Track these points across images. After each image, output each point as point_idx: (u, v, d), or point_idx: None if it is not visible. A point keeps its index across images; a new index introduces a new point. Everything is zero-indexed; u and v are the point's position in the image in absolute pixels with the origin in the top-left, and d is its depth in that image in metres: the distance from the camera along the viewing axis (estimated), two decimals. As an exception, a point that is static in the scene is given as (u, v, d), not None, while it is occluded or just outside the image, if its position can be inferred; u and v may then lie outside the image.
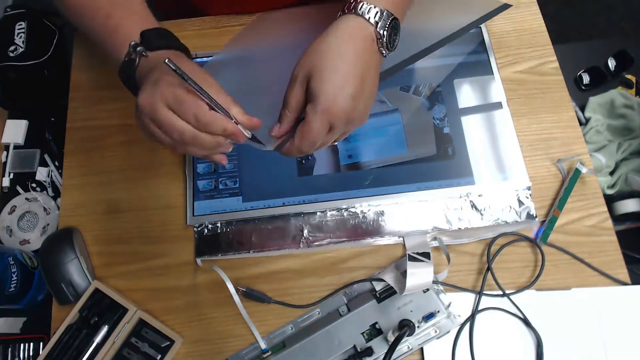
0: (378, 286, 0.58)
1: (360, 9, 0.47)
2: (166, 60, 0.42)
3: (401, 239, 0.62)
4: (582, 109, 0.99)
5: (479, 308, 0.58)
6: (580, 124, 0.98)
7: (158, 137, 0.45)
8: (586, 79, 1.01)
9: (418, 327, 0.55)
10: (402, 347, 0.55)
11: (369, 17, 0.46)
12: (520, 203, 0.62)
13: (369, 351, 0.55)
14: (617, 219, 0.89)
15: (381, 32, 0.47)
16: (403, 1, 0.51)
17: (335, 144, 0.51)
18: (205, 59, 0.69)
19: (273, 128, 0.48)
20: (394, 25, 0.48)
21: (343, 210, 0.63)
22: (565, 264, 0.60)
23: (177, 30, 0.53)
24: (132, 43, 0.49)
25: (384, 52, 0.48)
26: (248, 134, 0.46)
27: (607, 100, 0.98)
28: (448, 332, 0.56)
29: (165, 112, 0.43)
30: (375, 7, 0.47)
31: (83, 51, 0.74)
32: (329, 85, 0.45)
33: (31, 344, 0.63)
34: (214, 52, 0.70)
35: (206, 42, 0.72)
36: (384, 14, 0.47)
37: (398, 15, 0.49)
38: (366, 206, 0.63)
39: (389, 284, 0.57)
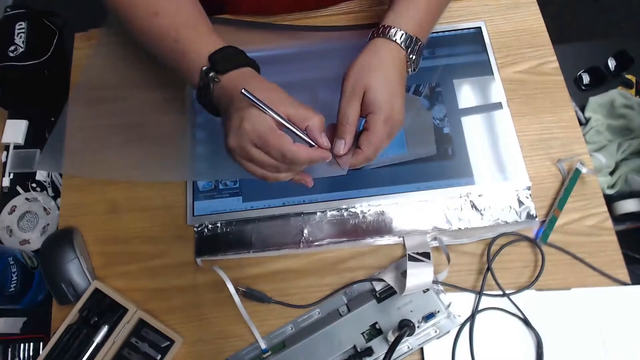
0: (378, 286, 0.58)
1: (388, 34, 0.54)
2: (242, 91, 0.45)
3: (401, 239, 0.62)
4: (582, 109, 0.99)
5: (479, 308, 0.58)
6: (581, 124, 0.98)
7: (254, 171, 0.48)
8: (586, 79, 1.01)
9: (418, 327, 0.55)
10: (402, 347, 0.55)
11: (400, 42, 0.53)
12: (520, 203, 0.62)
13: (369, 351, 0.55)
14: (617, 219, 0.89)
15: (411, 56, 0.54)
16: (428, 23, 0.57)
17: None
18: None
19: (336, 147, 0.50)
20: (419, 49, 0.55)
21: (343, 210, 0.63)
22: (565, 264, 0.60)
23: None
24: (204, 69, 0.51)
25: (409, 70, 0.56)
26: (329, 156, 0.49)
27: (607, 100, 0.98)
28: (448, 332, 0.56)
29: (255, 151, 0.46)
30: (401, 31, 0.53)
31: (83, 51, 0.74)
32: (386, 96, 0.51)
33: (31, 344, 0.63)
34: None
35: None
36: (413, 39, 0.54)
37: (423, 39, 0.55)
38: (366, 206, 0.63)
39: (389, 284, 0.57)
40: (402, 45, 0.53)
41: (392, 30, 0.54)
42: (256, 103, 0.45)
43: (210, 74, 0.51)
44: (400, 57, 0.54)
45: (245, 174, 0.49)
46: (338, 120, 0.51)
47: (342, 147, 0.50)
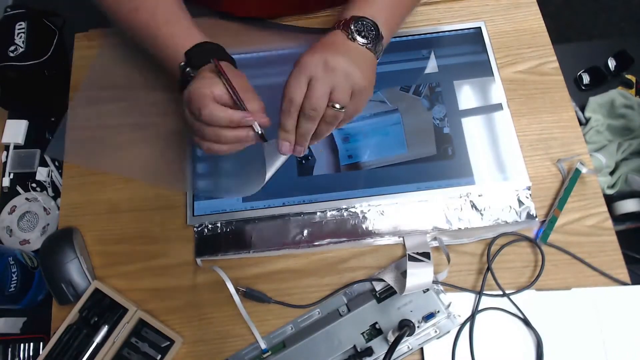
0: (378, 286, 0.58)
1: (349, 31, 0.52)
2: (212, 60, 0.49)
3: (401, 239, 0.62)
4: (582, 109, 0.99)
5: (479, 308, 0.58)
6: (581, 124, 0.98)
7: (198, 143, 0.51)
8: (586, 79, 1.01)
9: (418, 327, 0.55)
10: (402, 347, 0.55)
11: (355, 38, 0.52)
12: (520, 203, 0.62)
13: (369, 351, 0.55)
14: (617, 219, 0.89)
15: (356, 37, 0.52)
16: (396, 17, 0.57)
17: (340, 127, 0.54)
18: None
19: (282, 146, 0.51)
20: (371, 32, 0.53)
21: (343, 210, 0.63)
22: (565, 264, 0.60)
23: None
24: (181, 65, 0.54)
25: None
26: (257, 129, 0.49)
27: (607, 100, 0.98)
28: (448, 332, 0.56)
29: (187, 116, 0.50)
30: (363, 29, 0.52)
31: (83, 51, 0.74)
32: (304, 54, 0.49)
33: (31, 344, 0.63)
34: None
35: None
36: (372, 31, 0.52)
37: (386, 30, 0.54)
38: (366, 206, 0.63)
39: (389, 284, 0.57)
40: (356, 40, 0.51)
41: (353, 27, 0.52)
42: (219, 75, 0.49)
43: (187, 70, 0.52)
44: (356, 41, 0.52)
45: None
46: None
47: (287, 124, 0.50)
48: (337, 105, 0.48)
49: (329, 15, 0.74)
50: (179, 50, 0.54)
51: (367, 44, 0.52)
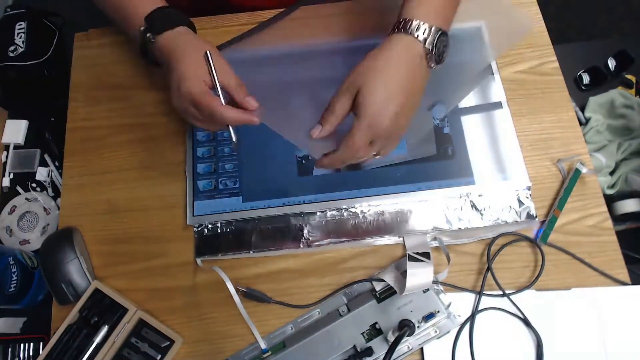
0: (378, 286, 0.58)
1: (409, 28, 0.49)
2: (206, 52, 0.52)
3: (401, 239, 0.62)
4: (582, 109, 0.99)
5: (479, 308, 0.58)
6: (580, 124, 0.98)
7: (199, 125, 0.55)
8: (586, 79, 1.01)
9: (418, 327, 0.55)
10: (402, 347, 0.55)
11: (417, 35, 0.49)
12: (520, 203, 0.62)
13: (369, 351, 0.55)
14: (617, 219, 0.89)
15: (429, 47, 0.49)
16: (451, 10, 0.53)
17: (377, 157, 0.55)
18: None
19: (313, 130, 0.51)
20: (442, 40, 0.50)
21: (343, 210, 0.63)
22: (565, 264, 0.60)
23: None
24: (141, 29, 0.55)
25: (432, 65, 0.51)
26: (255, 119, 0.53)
27: (607, 100, 0.98)
28: (448, 332, 0.56)
29: (193, 110, 0.53)
30: (424, 24, 0.49)
31: (83, 51, 0.74)
32: (375, 101, 0.48)
33: (31, 344, 0.63)
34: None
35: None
36: (432, 29, 0.49)
37: (446, 27, 0.51)
38: (366, 206, 0.63)
39: (389, 284, 0.57)
40: (418, 39, 0.49)
41: (413, 23, 0.49)
42: (210, 69, 0.52)
43: (147, 35, 0.55)
44: (416, 53, 0.50)
45: None
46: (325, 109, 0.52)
47: (316, 131, 0.51)
48: (379, 157, 0.53)
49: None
50: (139, 16, 0.55)
51: (439, 61, 0.51)
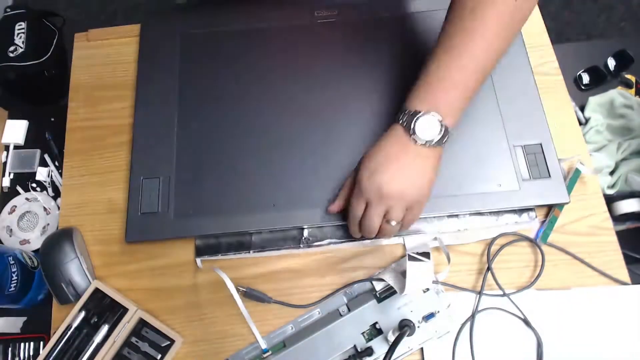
0: (378, 286, 0.58)
1: (397, 118, 0.54)
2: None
3: (401, 239, 0.62)
4: (582, 109, 0.99)
5: (479, 308, 0.58)
6: (580, 124, 0.98)
7: None
8: (586, 78, 1.01)
9: (418, 327, 0.55)
10: (402, 347, 0.55)
11: (399, 120, 0.53)
12: (520, 203, 0.62)
13: (369, 351, 0.55)
14: (617, 219, 0.89)
15: (403, 124, 0.53)
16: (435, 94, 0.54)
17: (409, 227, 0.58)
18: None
19: (330, 207, 0.58)
20: (413, 118, 0.52)
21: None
22: (565, 264, 0.60)
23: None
24: None
25: (415, 139, 0.52)
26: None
27: (607, 100, 0.98)
28: (448, 332, 0.56)
29: None
30: (403, 111, 0.54)
31: (83, 51, 0.74)
32: (363, 170, 0.53)
33: (31, 343, 0.63)
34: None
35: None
36: (406, 112, 0.53)
37: (422, 107, 0.53)
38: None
39: (389, 284, 0.57)
40: (399, 122, 0.53)
41: (399, 114, 0.54)
42: None
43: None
44: (399, 133, 0.53)
45: None
46: None
47: (332, 207, 0.58)
48: (393, 223, 0.53)
49: None
50: None
51: (430, 142, 0.52)
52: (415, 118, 0.52)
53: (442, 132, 0.52)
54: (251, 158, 0.63)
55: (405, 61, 0.67)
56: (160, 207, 0.61)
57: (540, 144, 0.62)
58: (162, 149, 0.64)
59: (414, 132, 0.52)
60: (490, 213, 0.61)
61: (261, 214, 0.60)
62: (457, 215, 0.61)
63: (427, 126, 0.52)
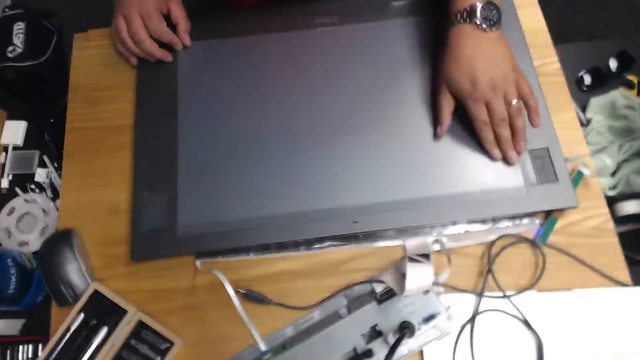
0: (378, 288, 0.58)
1: (452, 21, 0.60)
2: None
3: (402, 241, 0.61)
4: (584, 110, 0.99)
5: (480, 310, 0.58)
6: (582, 125, 0.97)
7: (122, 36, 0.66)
8: (587, 79, 1.01)
9: (418, 329, 0.55)
10: (402, 349, 0.55)
11: (460, 20, 0.59)
12: (521, 204, 0.62)
13: (369, 353, 0.55)
14: (618, 220, 0.89)
15: (484, 26, 0.58)
16: None
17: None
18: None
19: (438, 130, 0.62)
20: (485, 9, 0.58)
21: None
22: (566, 266, 0.60)
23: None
24: None
25: (487, 29, 0.58)
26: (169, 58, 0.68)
27: (609, 101, 0.97)
28: (448, 334, 0.56)
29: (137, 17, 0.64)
30: (458, 11, 0.59)
31: (82, 52, 0.74)
32: (461, 80, 0.58)
33: (30, 345, 0.63)
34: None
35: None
36: (469, 7, 0.58)
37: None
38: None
39: (389, 286, 0.57)
40: (461, 22, 0.59)
41: (452, 18, 0.60)
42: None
43: None
44: (467, 31, 0.59)
45: None
46: None
47: (439, 129, 0.62)
48: (514, 101, 0.58)
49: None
50: None
51: (494, 25, 0.58)
52: (475, 11, 0.58)
53: (498, 11, 0.59)
54: (255, 168, 0.62)
55: (404, 66, 0.67)
56: (165, 223, 0.60)
57: (547, 148, 0.62)
58: (165, 163, 0.63)
59: (481, 23, 0.58)
60: (493, 218, 0.61)
61: (267, 227, 0.59)
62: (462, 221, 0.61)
63: (487, 14, 0.58)
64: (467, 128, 0.62)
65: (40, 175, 0.72)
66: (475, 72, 0.57)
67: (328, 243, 0.61)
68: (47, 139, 0.74)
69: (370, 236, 0.61)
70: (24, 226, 0.69)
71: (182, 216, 0.60)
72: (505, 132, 0.59)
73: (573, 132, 0.66)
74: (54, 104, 0.75)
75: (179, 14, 0.67)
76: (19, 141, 0.73)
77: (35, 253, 0.66)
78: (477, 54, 0.58)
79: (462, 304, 0.58)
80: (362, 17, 0.70)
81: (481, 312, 0.57)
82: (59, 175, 0.71)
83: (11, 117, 0.74)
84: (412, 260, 0.56)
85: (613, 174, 0.94)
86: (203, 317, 0.60)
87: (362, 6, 0.71)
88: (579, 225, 0.61)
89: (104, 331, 0.57)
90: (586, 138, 0.92)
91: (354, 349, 0.55)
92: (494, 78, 0.57)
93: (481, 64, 0.57)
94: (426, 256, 0.57)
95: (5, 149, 0.73)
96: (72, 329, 0.57)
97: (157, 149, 0.64)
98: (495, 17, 0.58)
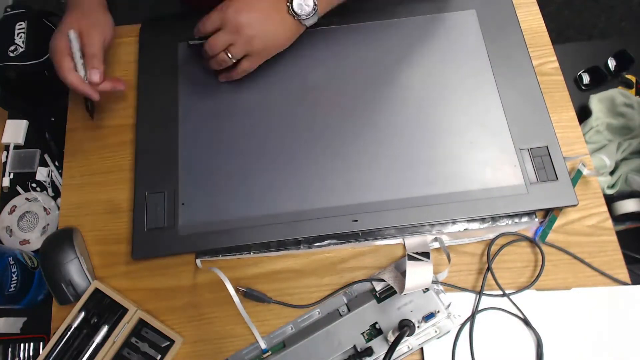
0: (378, 286, 0.58)
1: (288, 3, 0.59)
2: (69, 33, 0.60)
3: (401, 239, 0.61)
4: (582, 109, 0.99)
5: (479, 308, 0.58)
6: (586, 117, 0.97)
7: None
8: (586, 79, 1.01)
9: (418, 327, 0.55)
10: (402, 347, 0.55)
11: (292, 13, 0.59)
12: (521, 203, 0.62)
13: (369, 351, 0.55)
14: (617, 219, 0.89)
15: (294, 15, 0.59)
16: None
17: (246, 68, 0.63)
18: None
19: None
20: (311, 16, 0.60)
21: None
22: (566, 264, 0.60)
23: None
24: None
25: (293, 14, 0.60)
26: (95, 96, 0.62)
27: (607, 98, 0.98)
28: (448, 332, 0.56)
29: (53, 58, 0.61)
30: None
31: (83, 51, 0.74)
32: (235, 2, 0.59)
33: (31, 344, 0.63)
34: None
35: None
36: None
37: (322, 7, 0.61)
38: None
39: (389, 284, 0.57)
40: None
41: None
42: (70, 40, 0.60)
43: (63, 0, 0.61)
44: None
45: None
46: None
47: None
48: (229, 55, 0.60)
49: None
50: None
51: (299, 16, 0.60)
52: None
53: (312, 13, 0.60)
54: (255, 166, 0.62)
55: (403, 66, 0.67)
56: (166, 221, 0.60)
57: (547, 147, 0.62)
58: (166, 162, 0.63)
59: (292, 3, 0.59)
60: (493, 216, 0.61)
61: (268, 225, 0.59)
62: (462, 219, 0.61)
63: (303, 3, 0.59)
64: (466, 128, 0.63)
65: (42, 174, 0.72)
66: (245, 11, 0.58)
67: (328, 241, 0.61)
68: (48, 138, 0.74)
69: (370, 234, 0.61)
70: (25, 225, 0.69)
71: (183, 215, 0.60)
72: (205, 54, 0.62)
73: (572, 131, 0.66)
74: (55, 103, 0.75)
75: (91, 49, 0.62)
76: (20, 140, 0.73)
77: (36, 251, 0.66)
78: (265, 12, 0.59)
79: (461, 302, 0.58)
80: (361, 17, 0.71)
81: (481, 311, 0.58)
82: (60, 174, 0.71)
83: (12, 116, 0.75)
84: (411, 258, 0.56)
85: (612, 172, 0.94)
86: (203, 316, 0.60)
87: (362, 6, 0.71)
88: (578, 223, 0.62)
89: (104, 329, 0.57)
90: (585, 137, 0.93)
91: (354, 347, 0.56)
92: (246, 30, 0.58)
93: (256, 17, 0.59)
94: (426, 254, 0.57)
95: (7, 147, 0.73)
96: (73, 327, 0.57)
97: (158, 148, 0.64)
98: (305, 11, 0.60)
